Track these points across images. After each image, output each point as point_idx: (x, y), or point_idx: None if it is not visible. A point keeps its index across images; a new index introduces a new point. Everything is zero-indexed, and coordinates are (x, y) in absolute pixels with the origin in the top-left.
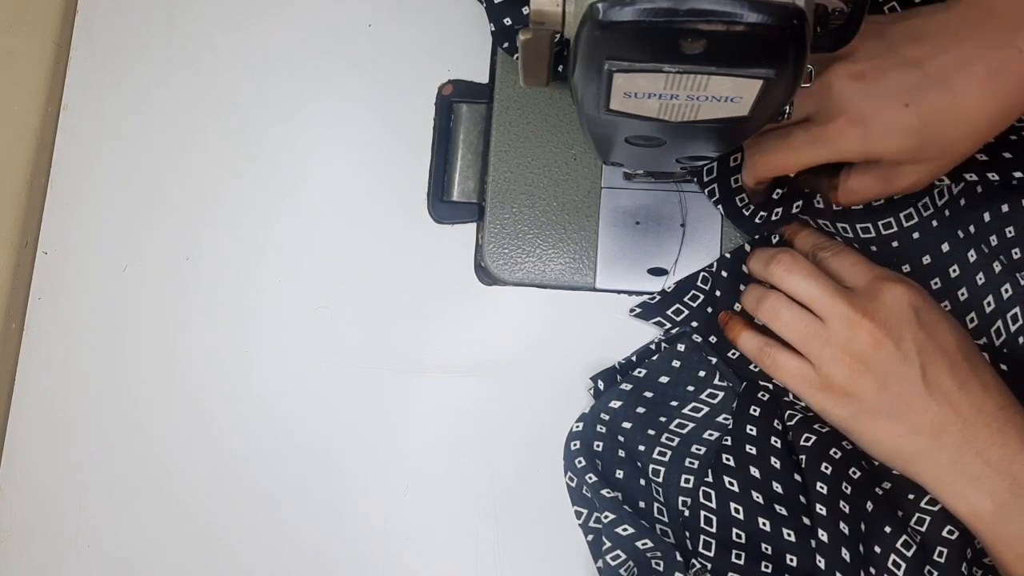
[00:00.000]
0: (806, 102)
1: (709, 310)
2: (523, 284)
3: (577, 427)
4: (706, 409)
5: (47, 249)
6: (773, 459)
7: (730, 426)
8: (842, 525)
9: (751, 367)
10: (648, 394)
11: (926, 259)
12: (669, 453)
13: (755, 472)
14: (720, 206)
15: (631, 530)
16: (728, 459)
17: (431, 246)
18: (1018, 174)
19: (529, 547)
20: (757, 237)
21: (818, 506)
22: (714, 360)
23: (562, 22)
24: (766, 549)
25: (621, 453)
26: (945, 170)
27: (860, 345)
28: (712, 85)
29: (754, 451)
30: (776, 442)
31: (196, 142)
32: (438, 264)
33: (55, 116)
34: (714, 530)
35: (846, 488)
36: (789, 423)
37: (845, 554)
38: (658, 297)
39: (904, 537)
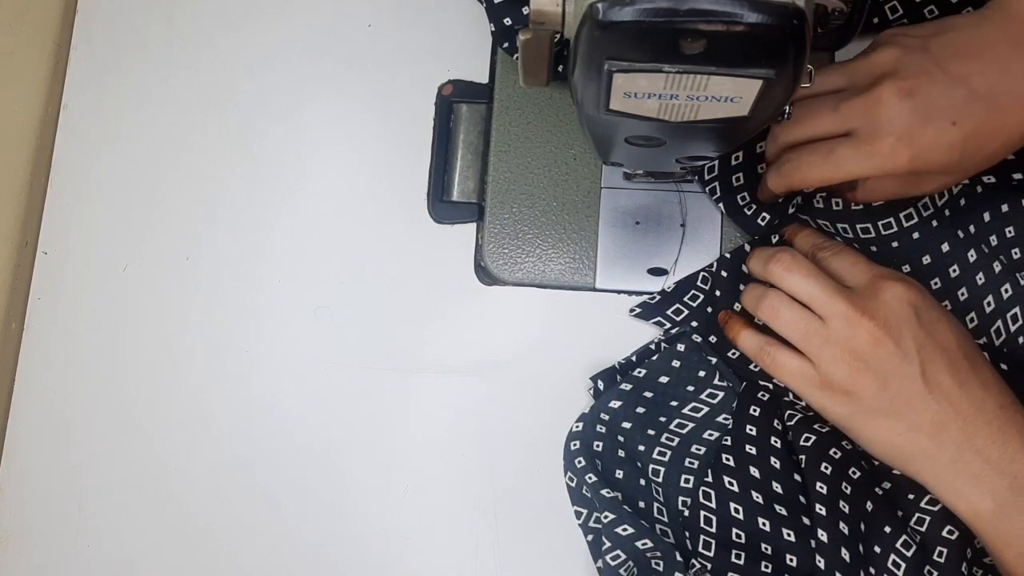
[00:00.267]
0: (853, 116)
1: (709, 310)
2: (523, 284)
3: (577, 427)
4: (706, 409)
5: (47, 249)
6: (773, 459)
7: (730, 426)
8: (842, 525)
9: (751, 367)
10: (648, 394)
11: (926, 259)
12: (669, 453)
13: (755, 472)
14: (721, 204)
15: (631, 530)
16: (728, 459)
17: (431, 246)
18: (1018, 175)
19: (529, 547)
20: (757, 237)
21: (818, 506)
22: (714, 360)
23: (562, 22)
24: (766, 549)
25: (621, 453)
26: (968, 176)
27: (860, 343)
28: (712, 85)
29: (754, 451)
30: (776, 442)
31: (196, 142)
32: (438, 264)
33: (55, 116)
34: (714, 530)
35: (846, 488)
36: (789, 423)
37: (845, 554)
38: (658, 297)
39: (904, 537)
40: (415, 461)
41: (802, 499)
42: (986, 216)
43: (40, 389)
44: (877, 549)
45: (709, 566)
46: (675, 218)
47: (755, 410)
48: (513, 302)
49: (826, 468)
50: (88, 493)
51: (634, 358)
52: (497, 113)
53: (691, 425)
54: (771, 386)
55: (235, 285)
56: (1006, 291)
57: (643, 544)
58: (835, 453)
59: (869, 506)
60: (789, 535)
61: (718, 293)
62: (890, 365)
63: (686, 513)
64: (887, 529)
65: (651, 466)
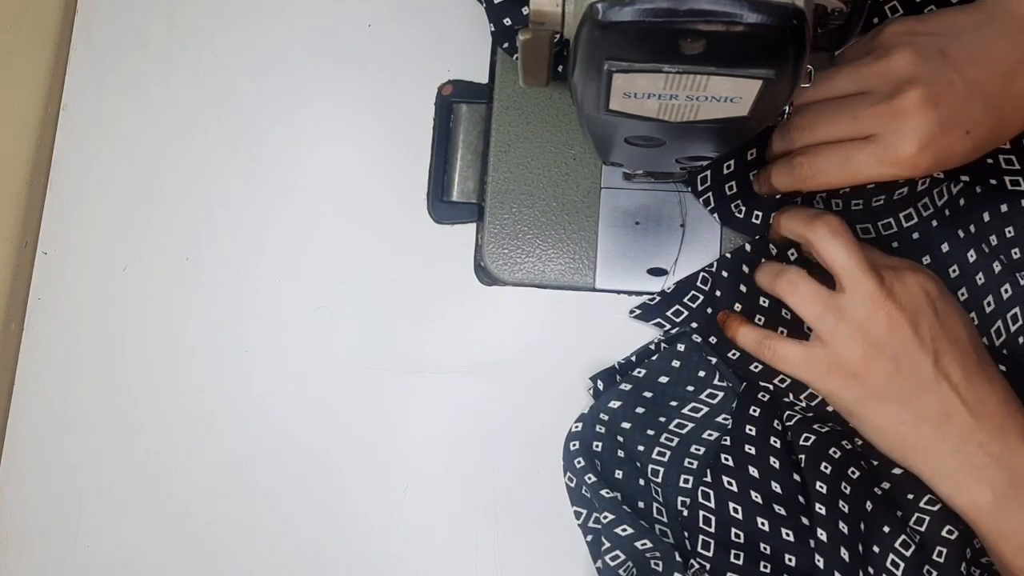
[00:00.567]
0: (875, 123)
1: (709, 310)
2: (523, 284)
3: (576, 427)
4: (705, 409)
5: (47, 249)
6: (772, 459)
7: (729, 426)
8: (841, 525)
9: (751, 367)
10: (647, 394)
11: (926, 259)
12: (668, 453)
13: (754, 472)
14: (716, 215)
15: (630, 530)
16: (727, 459)
17: (431, 246)
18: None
19: (529, 547)
20: (757, 237)
21: (817, 505)
22: (714, 360)
23: (562, 22)
24: (765, 549)
25: (620, 453)
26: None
27: (877, 326)
28: (712, 85)
29: (753, 451)
30: (775, 442)
31: (196, 142)
32: (438, 264)
33: (55, 116)
34: (713, 530)
35: (845, 488)
36: (788, 423)
37: (844, 554)
38: (658, 298)
39: (903, 537)
40: (415, 461)
41: (801, 499)
42: (986, 216)
43: (40, 389)
44: (876, 549)
45: (708, 566)
46: (675, 218)
47: (755, 410)
48: (513, 302)
49: (826, 468)
50: (88, 493)
51: (634, 358)
52: (497, 113)
53: (690, 425)
54: (771, 387)
55: (235, 285)
56: (1006, 291)
57: (642, 544)
58: (835, 453)
59: (868, 506)
60: (788, 535)
61: (718, 293)
62: (904, 351)
63: (685, 513)
64: (886, 529)
65: (650, 466)
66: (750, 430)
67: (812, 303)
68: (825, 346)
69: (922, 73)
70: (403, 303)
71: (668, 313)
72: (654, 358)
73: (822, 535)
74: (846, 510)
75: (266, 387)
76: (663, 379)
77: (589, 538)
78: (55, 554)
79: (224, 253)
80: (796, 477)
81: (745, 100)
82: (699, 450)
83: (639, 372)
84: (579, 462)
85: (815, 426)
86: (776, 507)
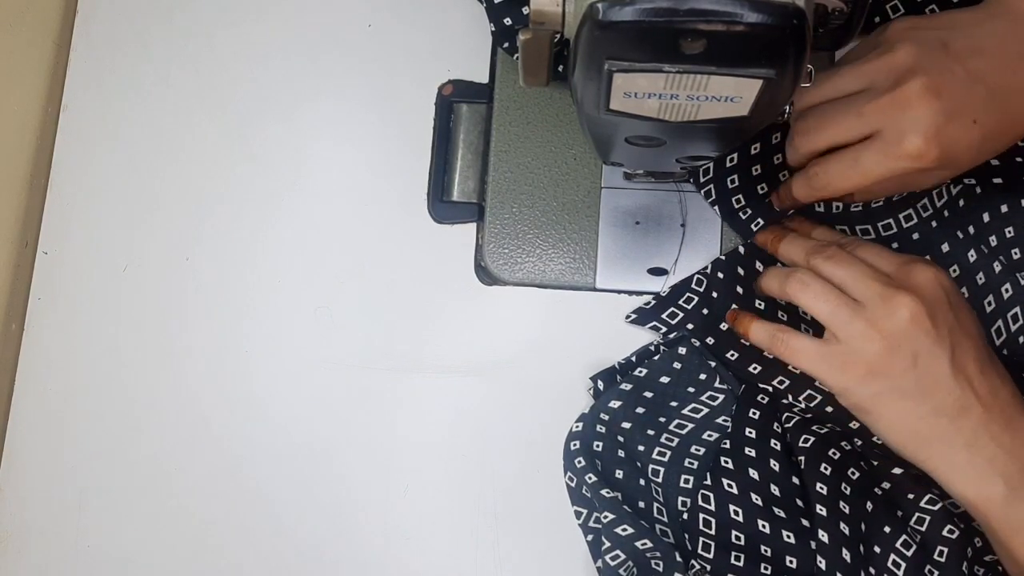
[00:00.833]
0: (879, 117)
1: (705, 312)
2: (523, 284)
3: (577, 427)
4: (705, 411)
5: (47, 249)
6: (772, 461)
7: (729, 428)
8: (842, 525)
9: (750, 369)
10: (648, 394)
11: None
12: (668, 453)
13: (754, 474)
14: (716, 207)
15: (631, 530)
16: (727, 462)
17: (431, 246)
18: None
19: (529, 547)
20: (751, 241)
21: (818, 507)
22: (714, 363)
23: (562, 22)
24: (765, 551)
25: (621, 453)
26: (964, 171)
27: (897, 321)
28: (712, 85)
29: (753, 453)
30: (775, 445)
31: (196, 142)
32: (438, 264)
33: (55, 116)
34: (713, 532)
35: (845, 489)
36: (787, 425)
37: (845, 554)
38: (653, 302)
39: (904, 537)
40: (415, 461)
41: (799, 502)
42: (985, 216)
43: (40, 389)
44: (877, 549)
45: (709, 567)
46: (675, 218)
47: (754, 413)
48: (513, 302)
49: (825, 469)
50: (88, 493)
51: (634, 358)
52: (497, 113)
53: (690, 426)
54: (770, 388)
55: (235, 285)
56: (1006, 291)
57: (643, 544)
58: (834, 454)
59: (869, 506)
60: (789, 537)
61: (714, 295)
62: (923, 344)
63: (685, 515)
64: (887, 529)
65: (651, 466)
66: (750, 433)
67: (824, 300)
68: (840, 343)
69: (923, 64)
70: (403, 303)
71: (664, 316)
72: (655, 358)
73: (823, 536)
74: (847, 511)
75: (266, 387)
76: (664, 379)
77: (589, 538)
78: (55, 554)
79: (224, 253)
80: (796, 479)
81: (746, 100)
82: (699, 450)
83: (640, 372)
84: (579, 462)
85: (814, 427)
86: (776, 509)
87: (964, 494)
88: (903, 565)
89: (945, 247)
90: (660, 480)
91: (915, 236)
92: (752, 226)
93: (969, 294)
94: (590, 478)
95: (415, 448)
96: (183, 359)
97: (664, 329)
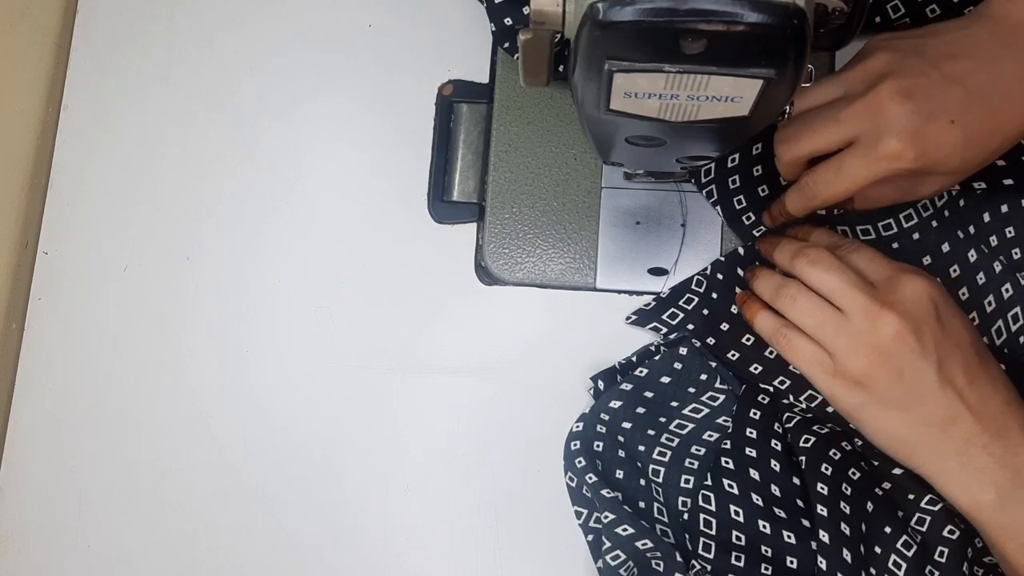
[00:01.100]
0: (855, 122)
1: (705, 312)
2: (523, 284)
3: (577, 427)
4: (706, 411)
5: (47, 249)
6: (773, 462)
7: (730, 429)
8: (843, 526)
9: (751, 369)
10: (649, 394)
11: (926, 259)
12: (669, 453)
13: (755, 475)
14: (718, 207)
15: (631, 530)
16: (727, 462)
17: (431, 246)
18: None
19: (529, 547)
20: (750, 243)
21: (819, 507)
22: (714, 364)
23: (562, 22)
24: (766, 551)
25: (621, 453)
26: (966, 176)
27: (880, 336)
28: (712, 85)
29: (754, 454)
30: (776, 445)
31: (196, 142)
32: (438, 264)
33: (55, 116)
34: (714, 532)
35: (846, 489)
36: (788, 425)
37: (846, 555)
38: (653, 303)
39: (905, 537)
40: (415, 461)
41: (800, 503)
42: (986, 216)
43: (40, 389)
44: (878, 550)
45: (709, 568)
46: (675, 218)
47: (755, 413)
48: (513, 302)
49: (826, 469)
50: (88, 493)
51: (634, 359)
52: (497, 113)
53: (691, 426)
54: (771, 388)
55: (235, 285)
56: (1007, 291)
57: (643, 544)
58: (835, 454)
59: (869, 506)
60: (789, 537)
61: (714, 296)
62: (908, 359)
63: (686, 516)
64: (888, 529)
65: (651, 466)
66: (750, 433)
67: (809, 315)
68: (831, 356)
69: (896, 68)
70: (403, 303)
71: (664, 317)
72: (656, 358)
73: (824, 537)
74: (847, 511)
75: (266, 387)
76: (665, 379)
77: (590, 538)
78: (55, 554)
79: (224, 253)
80: (796, 480)
81: (746, 100)
82: (700, 451)
83: (641, 372)
84: (580, 462)
85: (815, 427)
86: (777, 510)
87: (956, 500)
88: (904, 565)
89: (945, 247)
90: (660, 480)
91: (915, 236)
92: (754, 231)
93: (969, 294)
94: (590, 478)
95: (415, 448)
96: (183, 359)
97: (664, 330)
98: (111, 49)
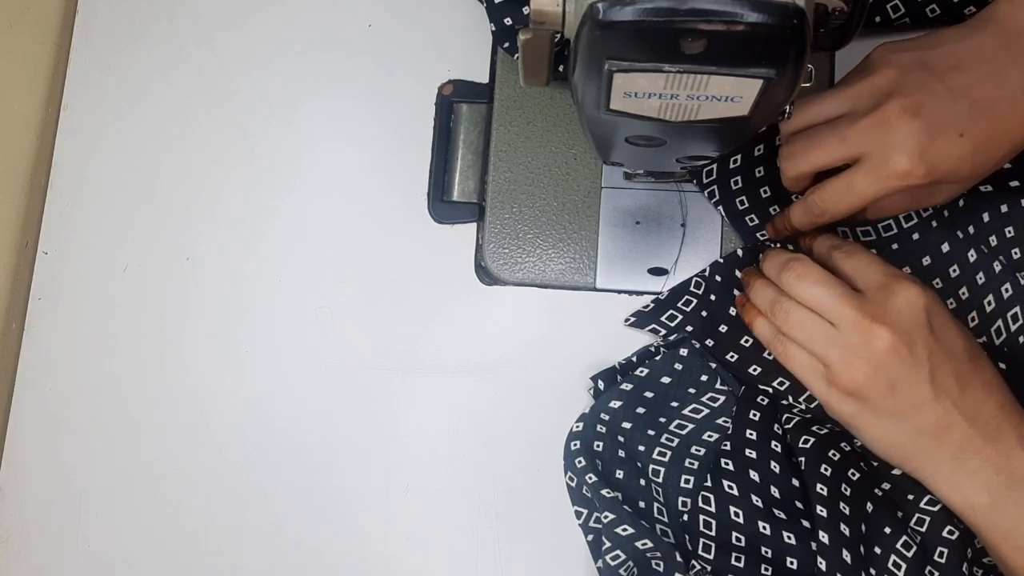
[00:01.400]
0: (862, 140)
1: (704, 314)
2: (523, 284)
3: (577, 427)
4: (706, 411)
5: (47, 249)
6: (772, 463)
7: (729, 430)
8: (842, 526)
9: (750, 370)
10: (649, 394)
11: (926, 260)
12: (669, 454)
13: (754, 476)
14: (720, 207)
15: (631, 530)
16: (727, 463)
17: (431, 246)
18: (1015, 183)
19: (529, 547)
20: (748, 245)
21: (818, 508)
22: (714, 365)
23: (562, 22)
24: (766, 552)
25: (621, 453)
26: (975, 183)
27: (872, 349)
28: (712, 85)
29: (753, 455)
30: (776, 446)
31: (196, 142)
32: (438, 264)
33: (55, 116)
34: (714, 533)
35: (845, 490)
36: (787, 426)
37: (846, 555)
38: (652, 305)
39: (904, 538)
40: (415, 461)
41: (799, 504)
42: (985, 216)
43: (40, 389)
44: (878, 550)
45: (709, 568)
46: (675, 218)
47: (755, 414)
48: (513, 302)
49: (826, 470)
50: (88, 493)
51: (634, 359)
52: (497, 113)
53: (691, 427)
54: (770, 390)
55: (235, 285)
56: (1006, 291)
57: (643, 544)
58: (834, 455)
59: (869, 507)
60: (790, 538)
61: (713, 297)
62: (900, 370)
63: (686, 517)
64: (887, 530)
65: (651, 466)
66: (750, 434)
67: (801, 330)
68: (825, 366)
69: (902, 85)
70: (403, 303)
71: (662, 319)
72: (657, 359)
73: (823, 537)
74: (847, 512)
75: (266, 387)
76: (665, 380)
77: (590, 538)
78: (55, 554)
79: (224, 253)
80: (796, 481)
81: (746, 100)
82: (699, 451)
83: (641, 372)
84: (580, 462)
85: (814, 428)
86: (777, 511)
87: (951, 503)
88: (903, 566)
89: (945, 247)
90: (660, 480)
91: (915, 236)
92: (757, 234)
93: (969, 294)
94: (590, 478)
95: (415, 448)
96: (183, 359)
97: (663, 332)
98: (111, 49)
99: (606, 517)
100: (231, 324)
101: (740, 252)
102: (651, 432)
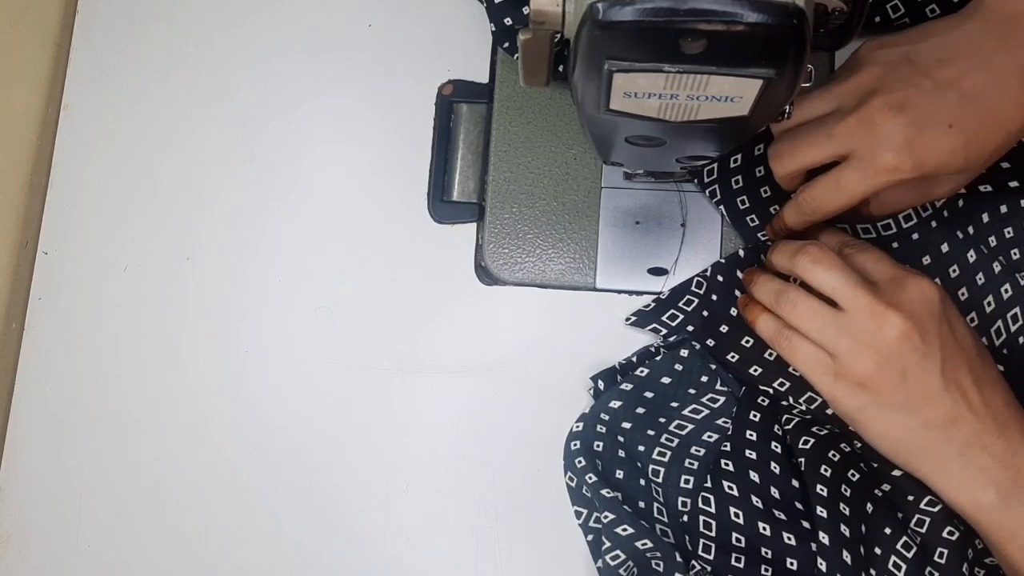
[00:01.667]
0: (848, 138)
1: (705, 314)
2: (523, 284)
3: (577, 427)
4: (706, 412)
5: (47, 249)
6: (772, 464)
7: (729, 430)
8: (842, 527)
9: (751, 371)
10: (649, 394)
11: (926, 259)
12: (669, 454)
13: (754, 477)
14: (722, 207)
15: (631, 530)
16: (727, 464)
17: (431, 246)
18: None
19: (529, 547)
20: (750, 245)
21: (818, 508)
22: (714, 366)
23: (562, 22)
24: (766, 553)
25: (621, 453)
26: (978, 174)
27: (884, 337)
28: (712, 85)
29: (754, 456)
30: (776, 447)
31: (196, 142)
32: (438, 264)
33: (55, 116)
34: (714, 534)
35: (845, 491)
36: (787, 427)
37: (846, 556)
38: (653, 304)
39: (904, 538)
40: (415, 461)
41: (799, 505)
42: (985, 217)
43: (40, 389)
44: (878, 551)
45: (709, 568)
46: (675, 218)
47: (755, 415)
48: (513, 302)
49: (825, 471)
50: (88, 493)
51: (634, 359)
52: (497, 113)
53: (691, 427)
54: (770, 391)
55: (235, 285)
56: (1006, 291)
57: (643, 544)
58: (834, 456)
59: (869, 508)
60: (790, 539)
61: (714, 297)
62: (912, 359)
63: (685, 517)
64: (887, 531)
65: (651, 466)
66: (750, 435)
67: (810, 319)
68: (833, 358)
69: (886, 82)
70: (403, 303)
71: (663, 318)
72: (657, 359)
73: (824, 538)
74: (847, 513)
75: (266, 387)
76: (665, 380)
77: (590, 538)
78: (55, 554)
79: (224, 253)
80: (796, 482)
81: (746, 100)
82: (699, 451)
83: (641, 372)
84: (580, 462)
85: (814, 429)
86: (777, 512)
87: (956, 501)
88: (903, 567)
89: (945, 247)
90: (660, 480)
91: (915, 236)
92: (759, 234)
93: (968, 294)
94: (590, 478)
95: (415, 448)
96: (183, 359)
97: (664, 332)
98: (111, 49)
99: (606, 517)
100: (231, 324)
101: (741, 252)
102: (651, 432)
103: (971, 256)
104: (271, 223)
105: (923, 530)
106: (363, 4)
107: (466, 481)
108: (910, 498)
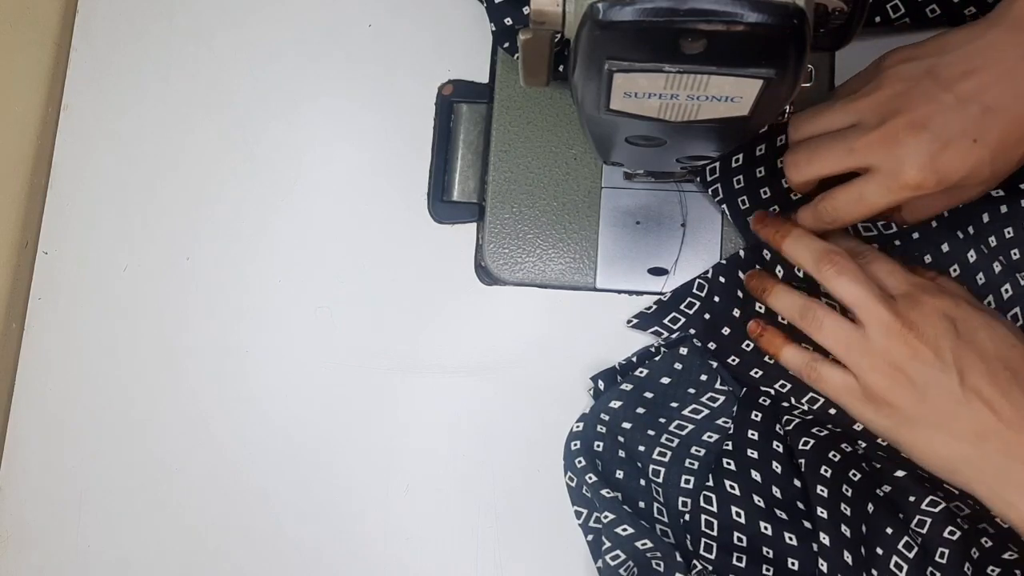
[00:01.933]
0: (871, 154)
1: (707, 316)
2: (523, 284)
3: (577, 427)
4: (706, 411)
5: (47, 249)
6: (774, 463)
7: (730, 430)
8: (843, 528)
9: (752, 373)
10: (649, 394)
11: (927, 259)
12: (669, 454)
13: (756, 476)
14: (724, 206)
15: (631, 530)
16: (729, 463)
17: (431, 246)
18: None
19: (529, 547)
20: (750, 246)
21: (819, 509)
22: (715, 365)
23: (562, 22)
24: (767, 553)
25: (621, 453)
26: (1003, 180)
27: (898, 355)
28: (712, 85)
29: (755, 455)
30: (778, 447)
31: (196, 142)
32: (438, 264)
33: (55, 116)
34: (715, 533)
35: (846, 491)
36: (787, 427)
37: (847, 556)
38: (654, 307)
39: (905, 539)
40: (415, 461)
41: (801, 505)
42: (985, 217)
43: (40, 389)
44: (879, 551)
45: (710, 568)
46: (675, 218)
47: (756, 415)
48: (513, 302)
49: (826, 471)
50: (88, 493)
51: (634, 359)
52: (497, 113)
53: (691, 427)
54: (772, 391)
55: (235, 285)
56: (1006, 291)
57: (643, 544)
58: (834, 456)
59: (870, 508)
60: (791, 539)
61: (716, 299)
62: (928, 376)
63: (686, 516)
64: (889, 531)
65: (651, 466)
66: (752, 434)
67: (834, 339)
68: (857, 378)
69: (908, 99)
70: (403, 303)
71: (665, 321)
72: (657, 359)
73: (825, 539)
74: (848, 513)
75: (266, 387)
76: (665, 380)
77: (590, 538)
78: (55, 554)
79: (224, 253)
80: (797, 482)
81: (746, 100)
82: (699, 451)
83: (641, 372)
84: (580, 462)
85: (814, 429)
86: (778, 511)
87: (1006, 516)
88: (904, 567)
89: (945, 247)
90: (660, 480)
91: (915, 236)
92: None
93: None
94: (590, 478)
95: (415, 448)
96: (183, 359)
97: (666, 334)
98: (111, 49)
99: (606, 517)
100: (231, 324)
101: (742, 253)
102: (651, 432)
103: (971, 256)
104: (271, 223)
105: (924, 530)
106: (363, 4)
107: (466, 481)
108: (911, 498)
